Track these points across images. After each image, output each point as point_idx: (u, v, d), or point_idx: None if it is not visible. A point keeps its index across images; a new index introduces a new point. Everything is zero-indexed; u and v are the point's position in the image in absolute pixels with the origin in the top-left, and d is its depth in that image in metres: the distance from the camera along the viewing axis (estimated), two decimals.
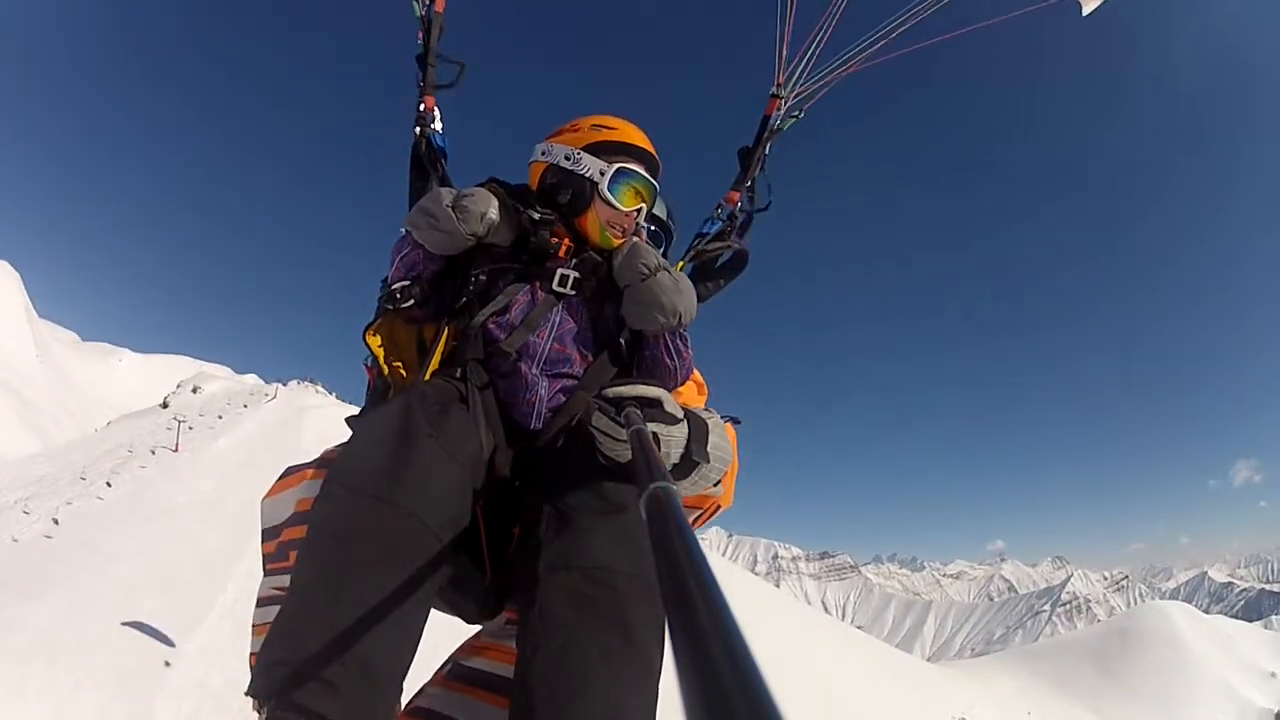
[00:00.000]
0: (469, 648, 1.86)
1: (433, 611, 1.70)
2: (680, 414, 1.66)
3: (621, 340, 2.10)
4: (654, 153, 2.20)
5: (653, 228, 2.58)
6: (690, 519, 1.73)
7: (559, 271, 2.08)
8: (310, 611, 1.39)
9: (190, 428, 20.50)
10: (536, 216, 2.10)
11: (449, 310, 2.11)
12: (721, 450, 1.71)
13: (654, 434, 1.57)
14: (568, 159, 2.15)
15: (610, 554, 1.53)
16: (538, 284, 2.10)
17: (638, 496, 1.49)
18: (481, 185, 2.20)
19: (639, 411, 1.49)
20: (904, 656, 47.41)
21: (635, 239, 2.13)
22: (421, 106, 2.58)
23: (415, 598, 1.48)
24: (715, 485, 1.77)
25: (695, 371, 2.30)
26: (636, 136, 2.20)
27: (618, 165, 2.13)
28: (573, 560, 1.52)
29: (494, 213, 2.04)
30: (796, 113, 2.78)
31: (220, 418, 24.66)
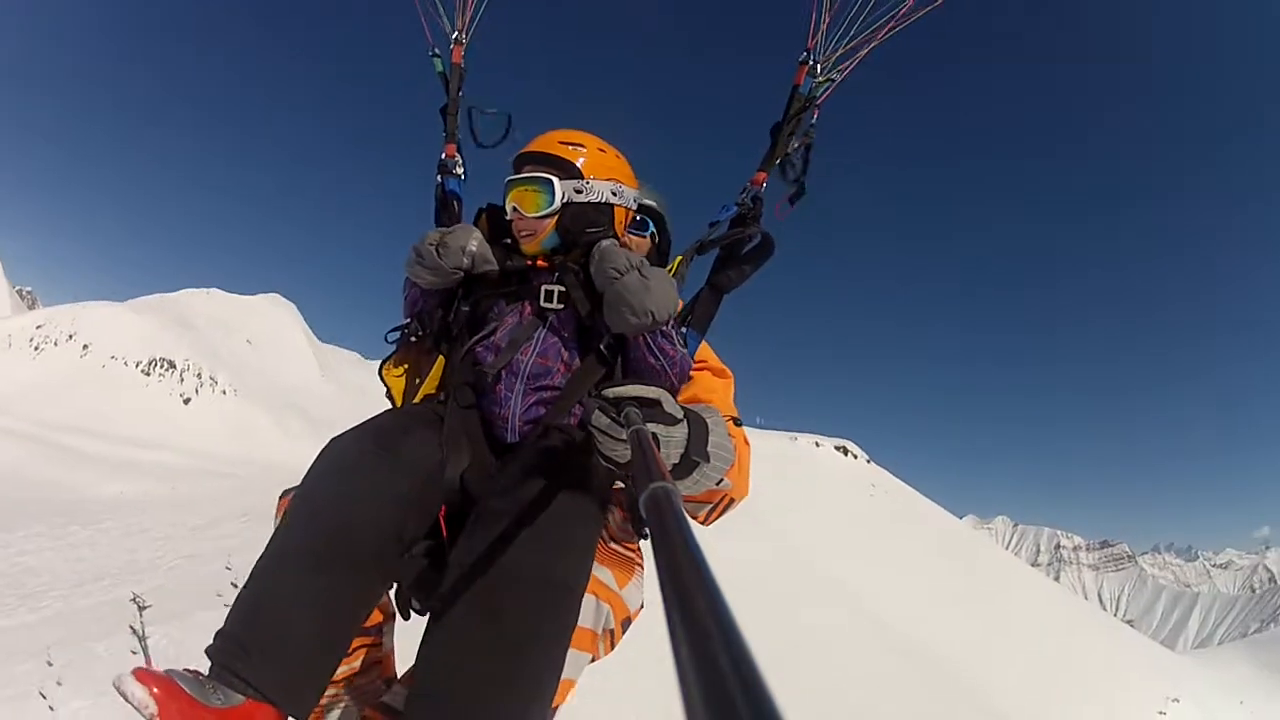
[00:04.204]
0: None
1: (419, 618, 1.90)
2: (680, 414, 1.67)
3: (603, 345, 2.08)
4: (552, 151, 2.17)
5: (639, 216, 2.56)
6: (703, 512, 1.97)
7: (543, 288, 2.13)
8: (250, 600, 1.62)
9: None
10: (508, 241, 2.22)
11: (447, 339, 2.23)
12: (722, 449, 1.71)
13: (654, 434, 1.56)
14: None
15: (508, 555, 1.59)
16: (527, 304, 2.16)
17: (580, 490, 1.71)
18: (481, 210, 2.36)
19: (639, 412, 1.49)
20: (1141, 638, 44.02)
21: (605, 242, 2.11)
22: (443, 154, 2.62)
23: (339, 596, 1.66)
24: (719, 483, 1.76)
25: (714, 359, 2.31)
26: (534, 142, 2.23)
27: (506, 179, 2.20)
28: (468, 560, 1.63)
29: (473, 245, 2.13)
30: (833, 75, 2.51)
31: None
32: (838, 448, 42.11)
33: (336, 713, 1.93)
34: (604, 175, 2.20)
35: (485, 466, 1.98)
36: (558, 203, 2.12)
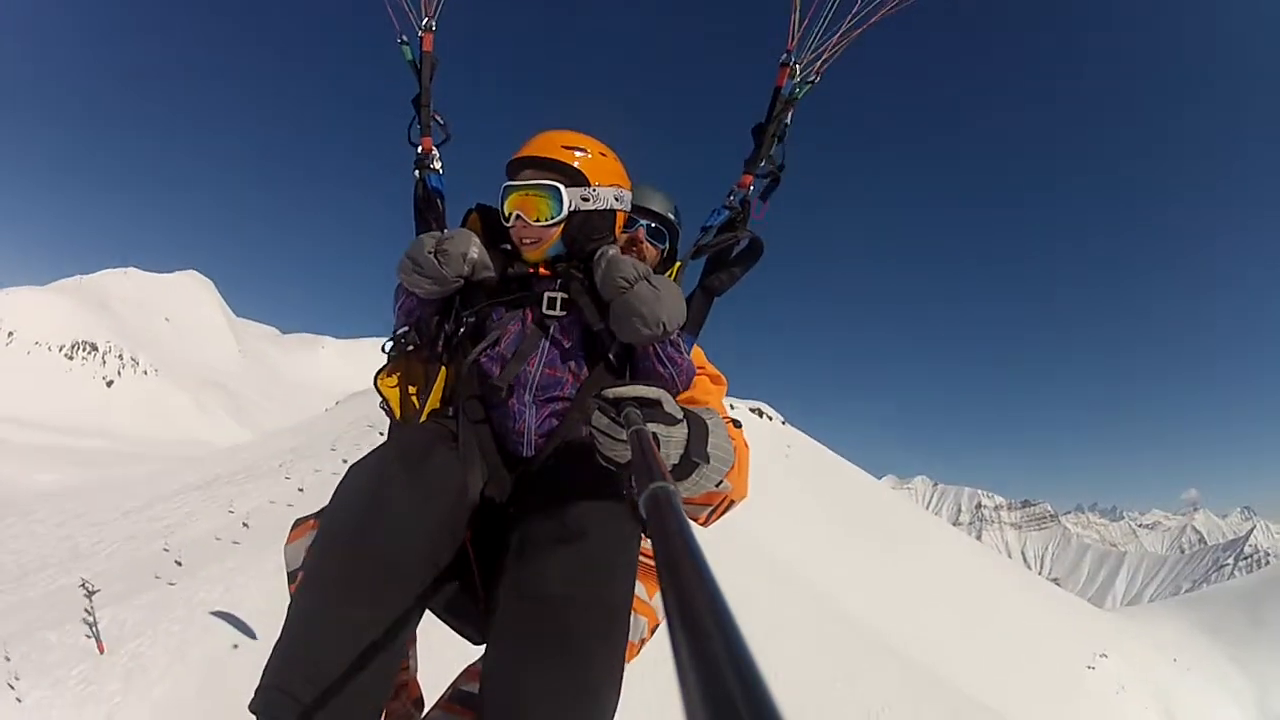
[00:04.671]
0: (468, 673, 1.98)
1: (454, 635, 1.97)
2: (680, 414, 1.67)
3: (611, 354, 2.09)
4: (549, 155, 2.12)
5: (654, 224, 2.58)
6: (704, 514, 1.99)
7: (546, 294, 2.11)
8: (294, 647, 1.56)
9: None
10: (508, 247, 2.18)
11: (448, 349, 2.19)
12: (722, 450, 1.71)
13: (654, 434, 1.56)
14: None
15: (562, 584, 1.57)
16: (530, 311, 2.13)
17: (617, 510, 1.70)
18: (470, 210, 2.31)
19: (639, 412, 1.50)
20: (1067, 595, 45.44)
21: (610, 250, 2.11)
22: (419, 149, 2.57)
23: (388, 630, 1.62)
24: (718, 484, 1.76)
25: (710, 366, 2.36)
26: (532, 145, 2.16)
27: (505, 184, 2.15)
28: (525, 590, 1.61)
29: (474, 251, 2.10)
30: (813, 78, 2.55)
31: None
32: (753, 410, 42.29)
33: None
34: (608, 181, 2.17)
35: (502, 482, 1.99)
36: (565, 211, 2.08)
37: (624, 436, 1.52)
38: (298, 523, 1.98)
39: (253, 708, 1.51)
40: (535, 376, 2.05)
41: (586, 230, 2.13)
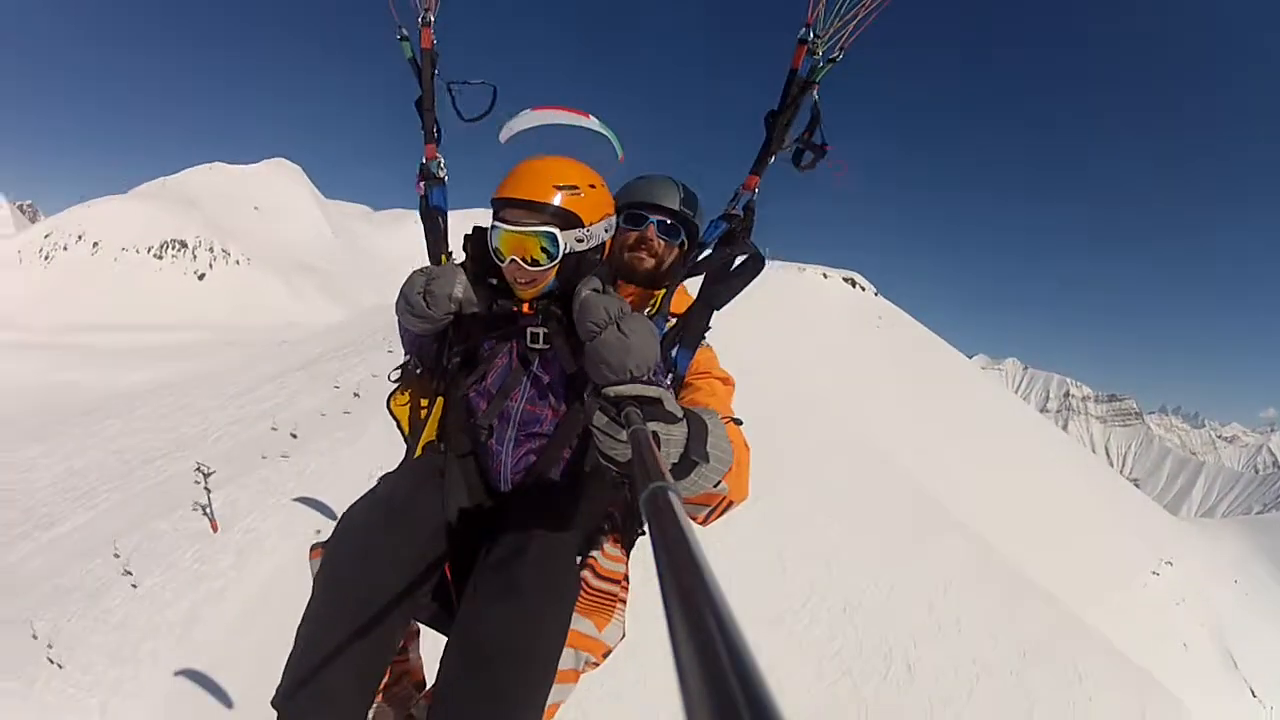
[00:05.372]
0: None
1: None
2: (680, 414, 1.67)
3: (586, 394, 2.02)
4: (542, 199, 2.06)
5: (669, 221, 2.51)
6: (702, 514, 1.99)
7: (529, 330, 2.16)
8: (301, 655, 1.89)
9: None
10: (494, 282, 2.19)
11: (443, 380, 2.32)
12: (721, 451, 1.72)
13: (654, 433, 1.57)
14: None
15: (496, 637, 1.80)
16: (515, 344, 2.21)
17: (564, 557, 1.94)
18: (467, 236, 2.28)
19: (639, 411, 1.50)
20: (1144, 498, 44.57)
21: (584, 292, 2.09)
22: (423, 157, 2.55)
23: (375, 644, 1.93)
24: (716, 485, 1.77)
25: (718, 367, 2.36)
26: (522, 185, 2.10)
27: (493, 223, 2.13)
28: (467, 636, 1.84)
29: (459, 291, 2.15)
30: (835, 54, 2.35)
31: None
32: (846, 279, 41.17)
33: (371, 713, 2.09)
34: (599, 216, 2.16)
35: (482, 512, 2.22)
36: (561, 254, 2.09)
37: (624, 436, 1.55)
38: (314, 547, 2.19)
39: (274, 704, 1.89)
40: (517, 412, 2.19)
41: (580, 269, 2.15)
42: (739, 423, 2.11)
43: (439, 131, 2.59)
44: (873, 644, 9.49)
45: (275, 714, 1.88)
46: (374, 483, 2.19)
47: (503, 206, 2.11)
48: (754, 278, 2.32)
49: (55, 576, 10.22)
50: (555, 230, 2.05)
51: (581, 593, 2.01)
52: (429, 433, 2.35)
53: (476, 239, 2.25)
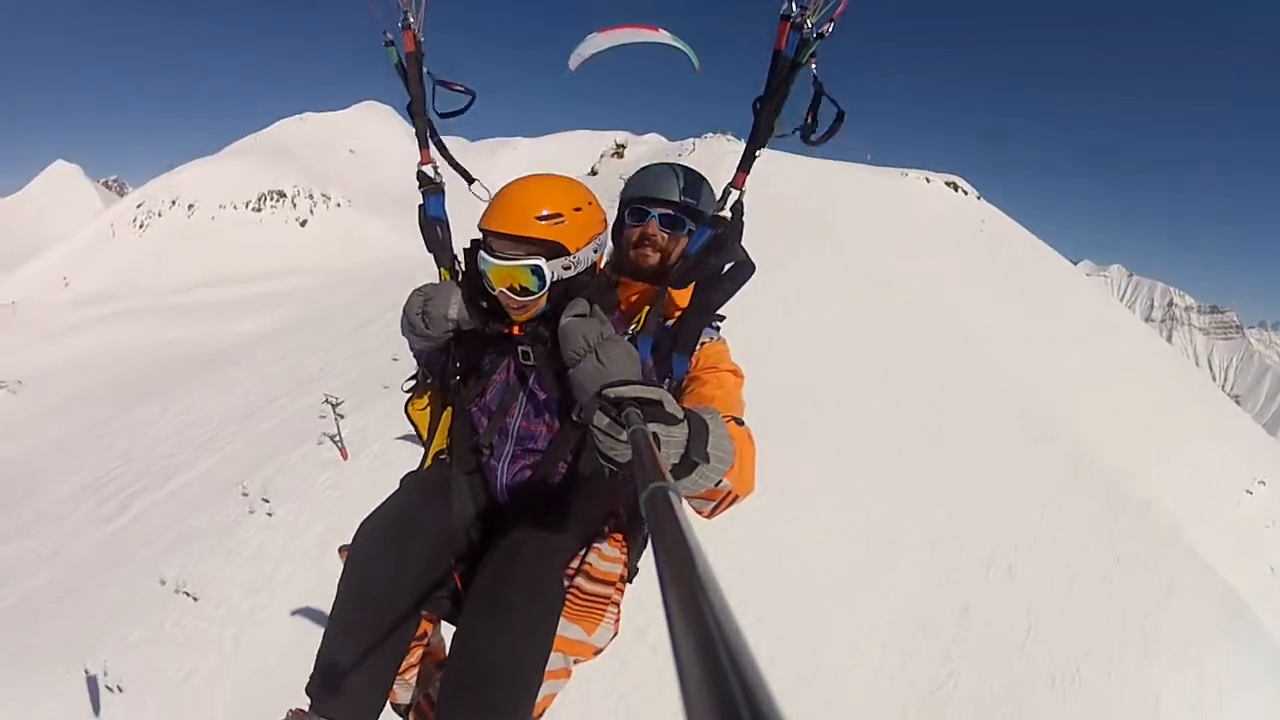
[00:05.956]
0: None
1: None
2: (680, 414, 1.67)
3: (574, 414, 2.18)
4: (526, 234, 2.07)
5: (670, 213, 2.45)
6: (707, 508, 1.98)
7: (520, 348, 2.22)
8: (326, 651, 2.12)
9: None
10: (484, 305, 2.25)
11: (449, 392, 2.43)
12: (722, 450, 1.74)
13: (654, 434, 1.59)
14: None
15: (487, 650, 1.94)
16: (512, 360, 2.29)
17: (550, 571, 2.08)
18: (467, 249, 2.29)
19: (639, 412, 1.51)
20: (1243, 415, 43.07)
21: (564, 321, 2.11)
22: (419, 164, 2.56)
23: (390, 644, 2.15)
24: (717, 484, 1.79)
25: (727, 359, 2.34)
26: (505, 218, 2.11)
27: (480, 253, 2.16)
28: (463, 646, 2.00)
29: (453, 310, 2.21)
30: (823, 29, 2.15)
31: None
32: (948, 183, 39.14)
33: (400, 689, 2.35)
34: (586, 239, 2.17)
35: (485, 525, 2.36)
36: (549, 284, 2.13)
37: (624, 437, 1.56)
38: (342, 548, 2.34)
39: (307, 690, 2.11)
40: (515, 427, 2.27)
41: (570, 292, 2.18)
42: (740, 422, 2.09)
43: (434, 135, 2.62)
44: (974, 549, 9.97)
45: (308, 701, 2.13)
46: (396, 485, 2.43)
47: (486, 236, 2.15)
48: (746, 281, 2.33)
49: (181, 522, 10.62)
50: (540, 262, 2.09)
51: (571, 600, 2.12)
52: (439, 441, 2.49)
53: (471, 258, 2.27)
